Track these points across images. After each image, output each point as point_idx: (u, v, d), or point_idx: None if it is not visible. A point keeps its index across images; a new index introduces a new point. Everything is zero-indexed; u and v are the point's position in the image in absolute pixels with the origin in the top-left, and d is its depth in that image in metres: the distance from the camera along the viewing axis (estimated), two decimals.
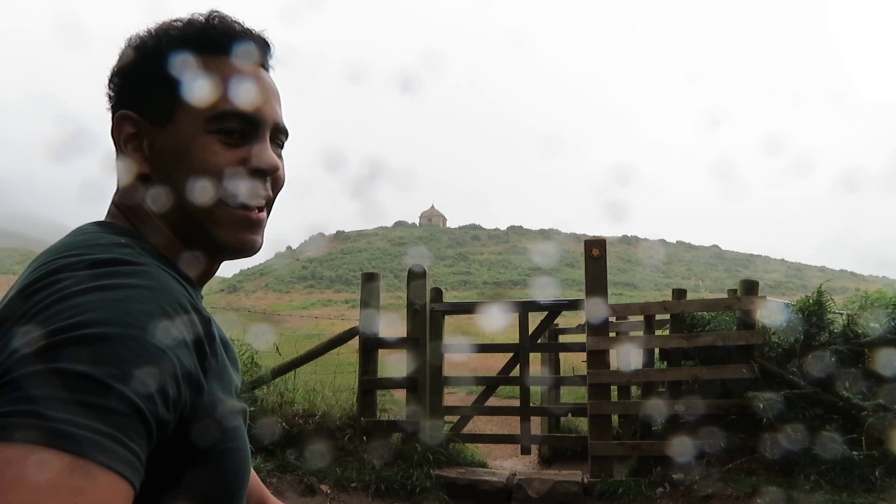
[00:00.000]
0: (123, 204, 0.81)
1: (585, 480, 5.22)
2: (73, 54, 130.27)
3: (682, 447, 5.22)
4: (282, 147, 0.85)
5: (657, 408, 5.75)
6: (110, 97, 0.82)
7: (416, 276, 6.05)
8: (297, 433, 5.61)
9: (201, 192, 0.76)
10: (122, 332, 0.57)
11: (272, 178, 0.82)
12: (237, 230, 0.79)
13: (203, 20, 0.81)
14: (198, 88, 0.77)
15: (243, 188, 0.78)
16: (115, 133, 0.80)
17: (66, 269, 0.64)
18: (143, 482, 0.56)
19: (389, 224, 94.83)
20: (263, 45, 0.84)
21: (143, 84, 0.79)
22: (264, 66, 0.85)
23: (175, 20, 0.81)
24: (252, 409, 5.69)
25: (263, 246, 0.83)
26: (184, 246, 0.79)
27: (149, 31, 0.81)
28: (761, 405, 4.96)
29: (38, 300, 0.60)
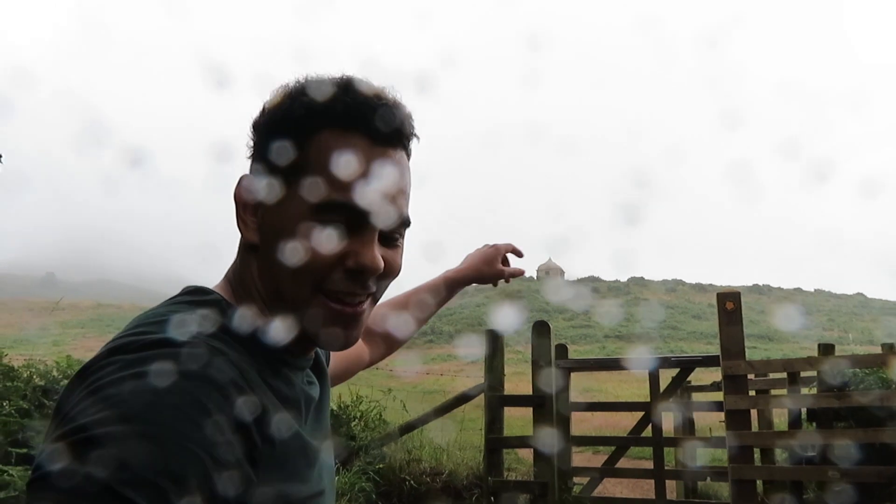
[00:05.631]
0: (235, 269, 0.78)
1: None
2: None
3: None
4: (402, 237, 0.77)
5: (808, 473, 5.31)
6: (249, 148, 0.77)
7: (540, 333, 5.99)
8: (425, 491, 5.63)
9: (297, 280, 0.71)
10: (139, 431, 0.53)
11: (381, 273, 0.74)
12: (329, 324, 0.72)
13: (335, 85, 0.72)
14: (308, 169, 0.71)
15: (340, 284, 0.71)
16: (235, 194, 0.76)
17: (120, 350, 0.61)
18: None
19: None
20: (403, 121, 0.74)
21: (263, 150, 0.73)
22: (403, 146, 0.76)
23: (313, 79, 0.74)
24: (380, 466, 5.78)
25: None
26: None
27: (286, 88, 0.74)
28: None
29: (83, 388, 0.58)
